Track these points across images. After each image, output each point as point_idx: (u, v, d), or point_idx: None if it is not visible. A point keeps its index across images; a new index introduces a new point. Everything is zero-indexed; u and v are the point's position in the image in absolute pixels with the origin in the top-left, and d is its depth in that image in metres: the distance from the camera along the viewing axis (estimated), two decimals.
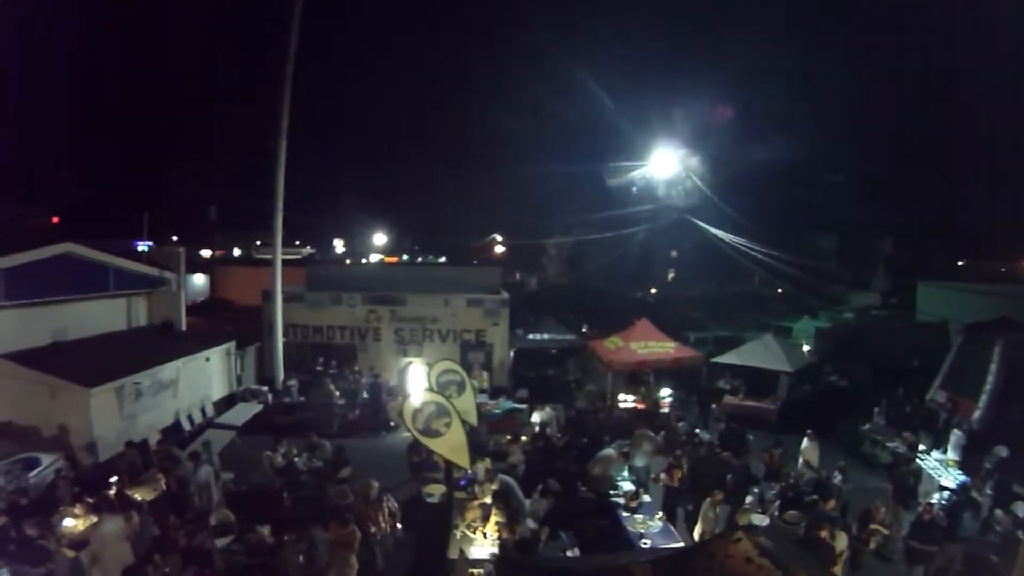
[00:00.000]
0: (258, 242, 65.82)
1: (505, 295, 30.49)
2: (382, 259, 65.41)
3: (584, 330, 35.11)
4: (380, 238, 70.51)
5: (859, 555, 13.83)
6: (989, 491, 15.71)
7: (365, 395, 25.16)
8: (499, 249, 70.85)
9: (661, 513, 14.94)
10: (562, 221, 58.03)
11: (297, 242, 64.37)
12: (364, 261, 60.65)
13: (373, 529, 12.40)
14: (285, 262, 28.10)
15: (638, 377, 26.20)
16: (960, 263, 54.44)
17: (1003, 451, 16.78)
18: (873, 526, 13.65)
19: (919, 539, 13.32)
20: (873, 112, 56.58)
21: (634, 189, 49.81)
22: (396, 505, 12.81)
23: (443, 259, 64.32)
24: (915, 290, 37.93)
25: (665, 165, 41.17)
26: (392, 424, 24.02)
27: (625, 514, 14.66)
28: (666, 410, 24.29)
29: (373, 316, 28.87)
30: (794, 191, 52.58)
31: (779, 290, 49.38)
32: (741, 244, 38.26)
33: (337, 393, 24.80)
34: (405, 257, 67.67)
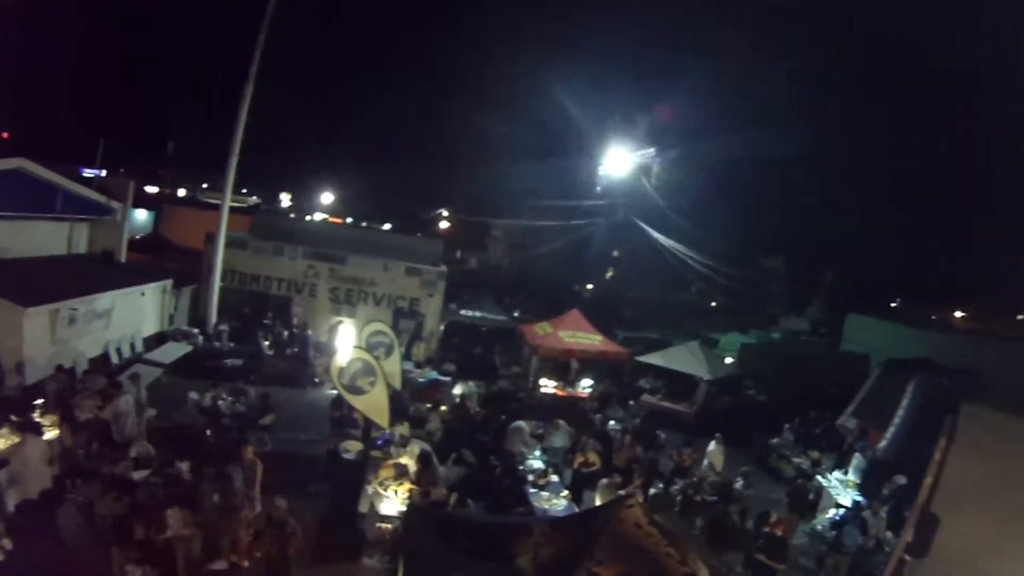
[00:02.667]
0: (205, 185, 64.28)
1: (444, 268, 30.40)
2: (327, 218, 64.34)
3: (516, 314, 35.21)
4: (327, 197, 69.43)
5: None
6: (884, 515, 16.25)
7: (295, 348, 24.86)
8: (444, 224, 70.38)
9: (567, 492, 15.52)
10: (511, 205, 57.95)
11: (244, 190, 62.82)
12: (309, 218, 59.98)
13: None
14: (232, 209, 27.51)
15: (562, 365, 26.33)
16: (893, 304, 55.65)
17: (902, 479, 17.33)
18: (767, 529, 13.91)
19: (767, 553, 13.52)
20: (844, 149, 57.59)
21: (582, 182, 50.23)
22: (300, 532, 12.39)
23: (387, 226, 63.71)
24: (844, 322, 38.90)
25: (620, 164, 41.14)
26: (317, 380, 23.96)
27: (533, 490, 15.11)
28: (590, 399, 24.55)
29: (312, 271, 28.45)
30: (747, 209, 53.14)
31: (713, 304, 50.02)
32: (684, 253, 38.52)
33: (267, 343, 24.61)
34: (350, 220, 66.67)
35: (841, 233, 54.98)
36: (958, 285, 53.38)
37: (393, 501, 13.08)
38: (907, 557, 11.35)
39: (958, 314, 54.45)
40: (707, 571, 7.04)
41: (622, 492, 14.46)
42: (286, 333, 25.59)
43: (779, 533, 13.78)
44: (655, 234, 38.39)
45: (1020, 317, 51.98)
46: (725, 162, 49.10)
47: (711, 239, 41.23)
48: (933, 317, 51.45)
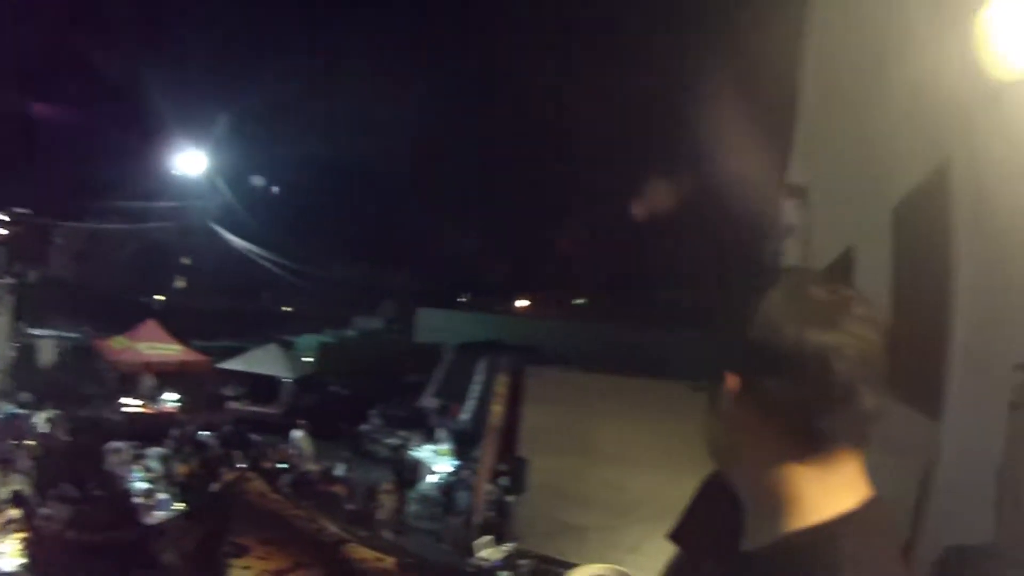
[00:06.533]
0: None
1: (10, 280, 26.93)
2: None
3: (87, 329, 33.14)
4: None
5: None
6: None
7: None
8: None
9: (181, 505, 15.07)
10: (72, 207, 53.11)
11: None
12: None
13: None
14: None
15: (142, 380, 25.37)
16: (460, 299, 59.43)
17: None
18: (380, 496, 14.97)
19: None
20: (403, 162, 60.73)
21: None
22: None
23: None
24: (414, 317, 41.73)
25: (195, 163, 38.64)
26: None
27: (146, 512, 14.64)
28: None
29: None
30: (317, 216, 54.09)
31: (287, 309, 50.21)
32: (258, 257, 38.18)
33: None
34: None
35: (406, 237, 58.21)
36: (518, 281, 58.98)
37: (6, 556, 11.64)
38: (508, 498, 13.02)
39: (519, 303, 59.22)
40: (335, 527, 7.60)
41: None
42: None
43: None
44: (230, 238, 37.50)
45: (575, 302, 58.09)
46: (294, 167, 49.79)
47: (282, 245, 41.20)
48: (498, 308, 55.59)
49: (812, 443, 1.25)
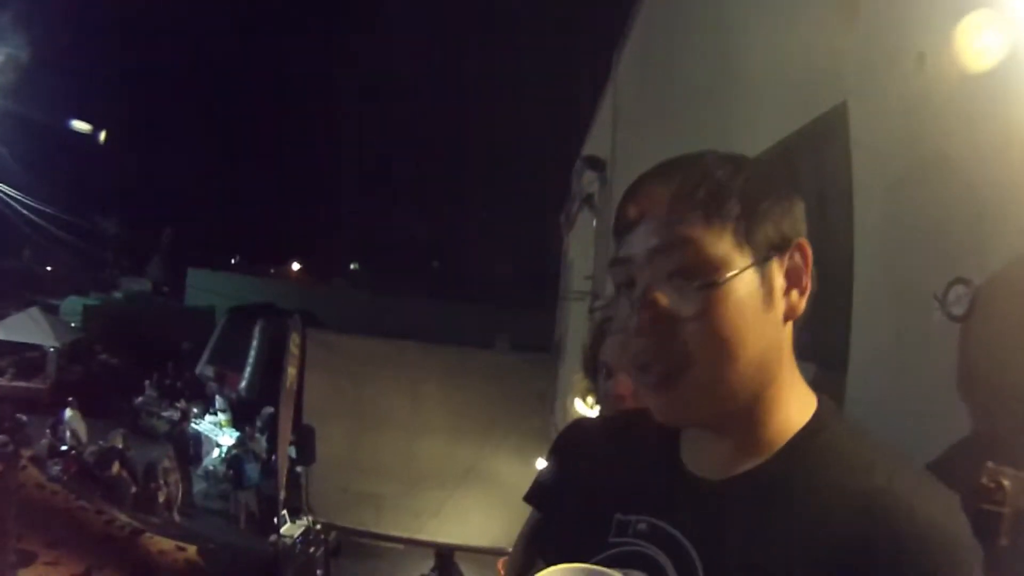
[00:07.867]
0: None
1: None
2: None
3: None
4: None
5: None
6: (265, 443, 18.04)
7: None
8: None
9: None
10: None
11: None
12: None
13: None
14: None
15: None
16: (233, 260, 57.67)
17: (270, 409, 18.49)
18: (162, 476, 14.33)
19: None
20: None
21: None
22: None
23: None
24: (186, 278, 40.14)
25: None
26: None
27: None
28: None
29: None
30: (87, 164, 50.48)
31: (48, 268, 46.95)
32: (20, 207, 34.84)
33: None
34: None
35: (174, 194, 55.56)
36: (292, 244, 57.93)
37: None
38: (299, 468, 12.69)
39: (295, 267, 58.11)
40: (126, 517, 7.12)
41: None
42: None
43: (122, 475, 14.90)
44: None
45: (352, 267, 57.87)
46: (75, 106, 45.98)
47: (46, 194, 37.75)
48: (272, 271, 54.45)
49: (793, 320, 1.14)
